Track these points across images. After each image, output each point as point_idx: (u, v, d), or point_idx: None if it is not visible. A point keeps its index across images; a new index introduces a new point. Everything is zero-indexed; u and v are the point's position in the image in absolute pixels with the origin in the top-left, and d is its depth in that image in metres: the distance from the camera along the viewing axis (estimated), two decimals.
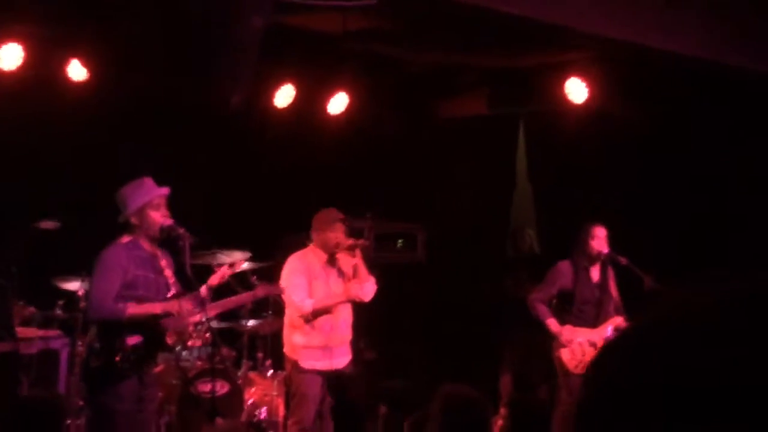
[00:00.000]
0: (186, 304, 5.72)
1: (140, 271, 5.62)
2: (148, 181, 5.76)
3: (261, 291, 6.74)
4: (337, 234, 6.89)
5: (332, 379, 6.88)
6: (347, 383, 7.07)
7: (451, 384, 4.07)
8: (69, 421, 6.71)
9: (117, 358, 5.48)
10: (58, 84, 7.79)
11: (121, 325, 5.51)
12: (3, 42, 7.41)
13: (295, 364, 6.81)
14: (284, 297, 6.89)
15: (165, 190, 5.78)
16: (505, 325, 9.24)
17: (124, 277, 5.53)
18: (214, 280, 5.98)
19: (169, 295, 5.72)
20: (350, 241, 6.92)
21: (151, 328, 5.62)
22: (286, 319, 6.92)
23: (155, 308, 5.63)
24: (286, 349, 6.93)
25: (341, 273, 6.98)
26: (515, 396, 5.52)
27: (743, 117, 7.91)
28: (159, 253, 5.81)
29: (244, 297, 6.72)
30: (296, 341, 6.80)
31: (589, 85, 8.36)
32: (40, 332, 6.59)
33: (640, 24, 7.13)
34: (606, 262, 7.68)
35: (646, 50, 7.31)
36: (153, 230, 5.69)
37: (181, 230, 5.66)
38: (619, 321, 7.58)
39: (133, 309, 5.53)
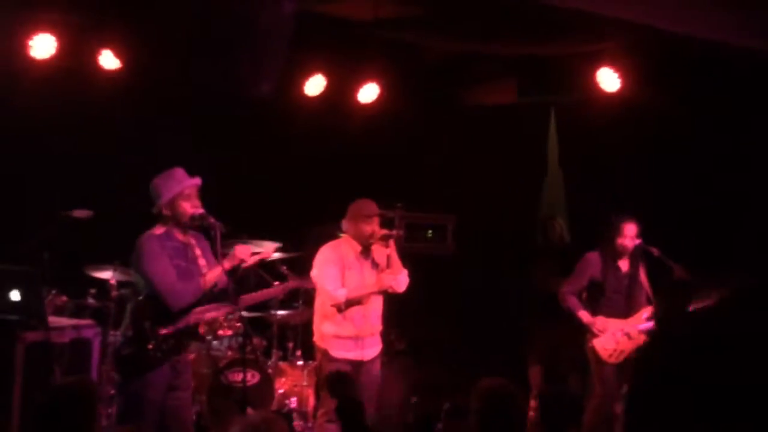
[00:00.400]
0: (242, 249, 5.77)
1: (175, 261, 5.64)
2: (179, 172, 5.76)
3: (292, 283, 6.74)
4: (373, 225, 6.87)
5: (359, 368, 6.86)
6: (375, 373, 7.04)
7: (488, 378, 4.08)
8: (101, 410, 6.77)
9: (150, 346, 5.50)
10: (90, 73, 7.82)
11: (155, 313, 5.53)
12: (35, 32, 7.44)
13: (325, 353, 6.81)
14: (316, 286, 6.87)
15: (196, 180, 5.78)
16: (534, 316, 9.20)
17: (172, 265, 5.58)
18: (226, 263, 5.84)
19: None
20: (384, 232, 6.90)
21: (186, 320, 5.64)
22: (317, 309, 6.91)
23: (223, 267, 5.64)
24: (316, 339, 6.92)
25: (375, 264, 6.96)
26: (546, 388, 5.48)
27: None
28: (193, 241, 5.82)
29: (275, 290, 6.73)
30: (327, 331, 6.80)
31: (621, 75, 8.29)
32: (72, 321, 6.61)
33: (673, 11, 7.07)
34: (636, 252, 7.64)
35: (679, 39, 7.25)
36: (184, 220, 5.70)
37: (212, 220, 5.66)
38: (650, 310, 7.54)
39: (205, 277, 5.64)
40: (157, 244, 5.64)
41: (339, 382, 4.43)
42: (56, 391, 4.22)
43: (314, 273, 6.83)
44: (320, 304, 6.88)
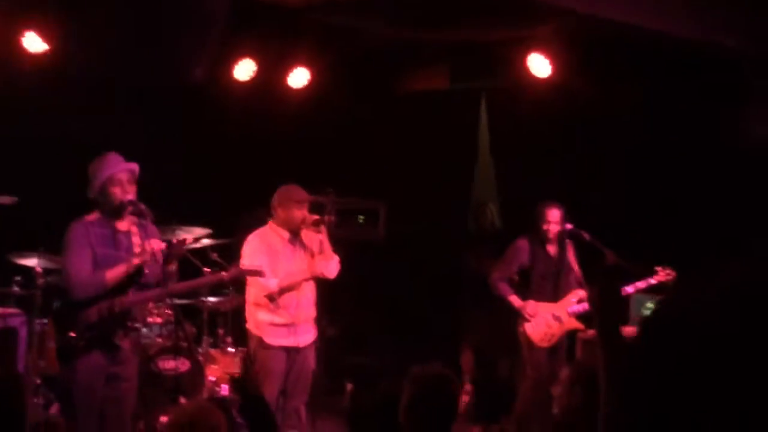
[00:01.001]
0: (154, 242, 5.60)
1: (104, 249, 5.52)
2: (112, 156, 5.64)
3: (234, 272, 6.62)
4: (303, 211, 6.81)
5: (294, 355, 6.82)
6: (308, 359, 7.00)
7: (420, 365, 4.09)
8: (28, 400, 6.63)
9: (72, 334, 5.40)
10: (15, 55, 7.60)
11: (79, 303, 5.42)
12: None
13: (260, 341, 6.75)
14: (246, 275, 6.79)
15: (131, 165, 5.65)
16: (465, 301, 9.25)
17: (93, 253, 5.44)
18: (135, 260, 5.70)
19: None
20: (316, 217, 6.85)
21: (109, 305, 5.53)
22: (250, 297, 6.84)
23: (130, 264, 5.51)
24: (250, 326, 6.86)
25: (306, 249, 6.91)
26: (480, 373, 5.51)
27: (706, 91, 7.94)
28: (135, 228, 5.69)
29: (212, 277, 6.59)
30: (262, 318, 6.74)
31: (552, 61, 8.33)
32: None
33: None
34: (563, 236, 7.72)
35: (607, 24, 7.31)
36: (113, 206, 5.57)
37: (142, 206, 5.56)
38: (580, 293, 7.62)
39: (112, 273, 5.47)
40: (82, 231, 5.51)
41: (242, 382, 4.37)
42: None
43: (244, 263, 6.74)
44: (254, 294, 6.80)
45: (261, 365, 6.81)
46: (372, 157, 9.89)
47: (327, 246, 6.92)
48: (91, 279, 5.45)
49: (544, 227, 7.64)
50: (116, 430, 5.62)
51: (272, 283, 6.62)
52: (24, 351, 6.40)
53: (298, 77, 9.06)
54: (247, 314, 6.88)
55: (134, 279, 5.60)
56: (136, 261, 5.52)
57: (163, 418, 6.94)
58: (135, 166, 5.66)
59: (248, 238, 6.86)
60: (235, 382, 4.25)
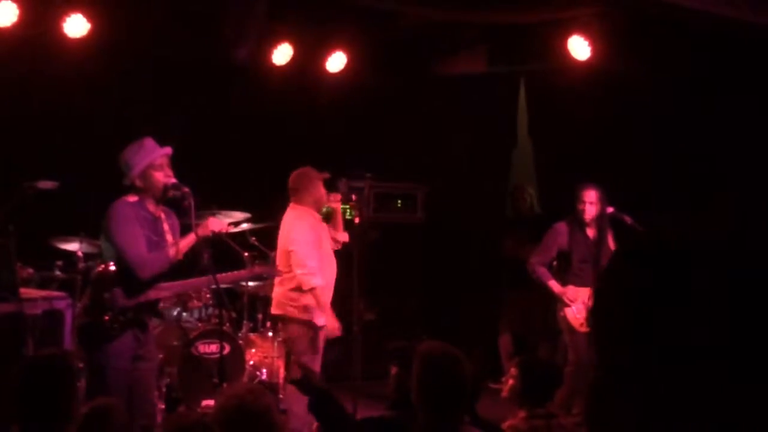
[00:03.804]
0: (214, 222, 5.73)
1: (145, 232, 5.53)
2: (150, 142, 5.64)
3: (258, 270, 6.66)
4: (322, 189, 6.90)
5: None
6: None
7: (428, 341, 4.12)
8: None
9: (106, 317, 5.41)
10: (55, 40, 7.63)
11: (115, 284, 5.43)
12: None
13: (310, 324, 6.74)
14: (295, 258, 6.77)
15: (167, 150, 5.66)
16: (504, 285, 9.22)
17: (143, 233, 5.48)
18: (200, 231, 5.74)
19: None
20: (331, 195, 7.00)
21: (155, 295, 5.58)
22: (291, 284, 6.80)
23: (188, 240, 5.59)
24: (295, 311, 6.81)
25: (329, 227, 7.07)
26: (526, 356, 5.47)
27: (747, 73, 7.82)
28: (163, 215, 5.71)
29: (240, 274, 6.59)
30: (309, 302, 6.72)
31: (592, 43, 8.26)
32: (44, 293, 6.51)
33: None
34: (604, 220, 7.65)
35: (650, 6, 7.23)
36: (157, 191, 5.58)
37: (186, 189, 5.56)
38: None
39: (177, 248, 5.53)
40: (129, 210, 5.53)
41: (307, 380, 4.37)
42: (32, 366, 4.12)
43: (295, 248, 6.74)
44: (296, 281, 6.77)
45: (312, 347, 6.81)
46: (410, 142, 9.86)
47: (340, 220, 7.13)
48: (155, 255, 5.49)
49: (580, 207, 7.57)
50: (142, 409, 5.63)
51: (316, 282, 6.65)
52: (69, 334, 6.44)
53: (336, 61, 9.05)
54: (289, 300, 6.82)
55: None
56: (200, 232, 5.58)
57: (206, 402, 6.99)
58: (170, 150, 5.67)
59: (299, 225, 6.82)
60: (299, 384, 4.25)
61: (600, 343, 1.52)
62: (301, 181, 6.91)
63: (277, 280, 6.93)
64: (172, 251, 5.56)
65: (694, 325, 1.38)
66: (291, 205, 6.93)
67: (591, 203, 7.56)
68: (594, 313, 1.58)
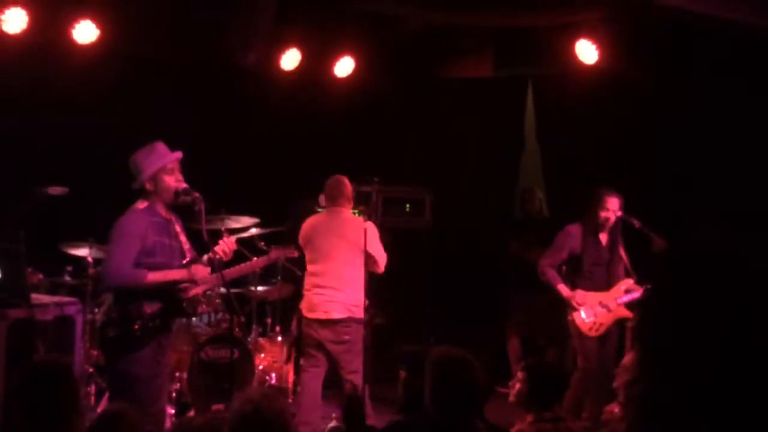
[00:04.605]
0: (201, 271, 5.66)
1: (158, 238, 5.54)
2: (161, 146, 5.66)
3: (274, 254, 6.66)
4: None
5: None
6: None
7: (439, 347, 4.16)
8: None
9: (136, 327, 5.42)
10: (64, 47, 7.66)
11: (138, 292, 5.44)
12: (6, 6, 7.27)
13: (358, 319, 6.95)
14: (376, 259, 7.00)
15: (178, 155, 5.68)
16: (512, 289, 9.23)
17: (143, 244, 5.44)
18: (217, 251, 5.76)
19: (185, 261, 5.65)
20: None
21: (169, 294, 5.56)
22: (360, 280, 7.00)
23: (174, 275, 5.56)
24: (360, 312, 6.99)
25: None
26: (533, 360, 5.47)
27: (753, 76, 7.82)
28: (173, 218, 5.73)
29: (258, 261, 6.64)
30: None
31: (599, 47, 8.27)
32: (55, 299, 6.54)
33: None
34: (617, 225, 7.62)
35: (657, 10, 7.23)
36: (168, 195, 5.59)
37: (196, 194, 5.58)
38: (629, 283, 7.54)
39: (153, 276, 5.47)
40: (135, 222, 5.52)
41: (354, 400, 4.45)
42: (32, 371, 4.13)
43: (374, 249, 6.96)
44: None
45: (362, 340, 6.97)
46: (418, 146, 9.88)
47: None
48: (131, 273, 5.43)
49: (602, 215, 7.49)
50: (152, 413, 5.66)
51: None
52: (80, 339, 6.48)
53: (343, 66, 9.08)
54: (357, 303, 6.96)
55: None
56: (178, 276, 5.60)
57: (216, 407, 7.01)
58: (181, 155, 5.70)
59: (373, 226, 7.09)
60: (349, 400, 4.31)
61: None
62: (349, 187, 7.17)
63: (335, 284, 6.97)
64: (151, 275, 5.52)
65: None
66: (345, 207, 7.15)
67: (613, 211, 7.49)
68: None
